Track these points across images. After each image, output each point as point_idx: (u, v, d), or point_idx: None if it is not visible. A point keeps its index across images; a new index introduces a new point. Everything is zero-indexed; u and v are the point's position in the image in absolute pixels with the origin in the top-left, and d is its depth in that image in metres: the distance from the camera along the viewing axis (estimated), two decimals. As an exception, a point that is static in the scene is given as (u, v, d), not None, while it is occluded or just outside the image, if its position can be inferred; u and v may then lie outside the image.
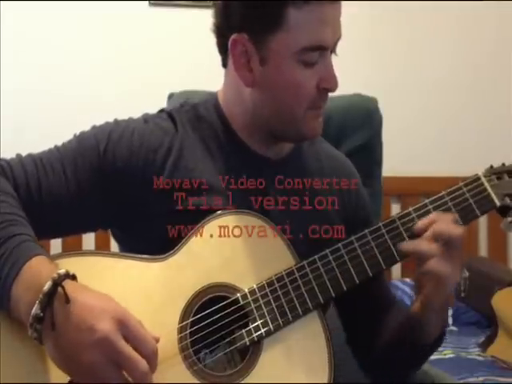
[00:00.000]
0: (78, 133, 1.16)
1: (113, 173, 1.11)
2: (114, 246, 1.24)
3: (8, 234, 0.98)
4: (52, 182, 1.09)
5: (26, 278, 0.94)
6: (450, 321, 2.72)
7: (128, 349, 0.90)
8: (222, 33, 1.13)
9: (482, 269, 2.80)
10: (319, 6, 1.07)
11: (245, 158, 1.18)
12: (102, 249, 2.60)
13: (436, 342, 1.15)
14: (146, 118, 1.18)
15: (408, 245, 1.09)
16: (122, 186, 1.11)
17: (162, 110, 1.22)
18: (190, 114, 1.19)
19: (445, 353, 2.35)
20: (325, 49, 1.10)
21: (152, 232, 1.11)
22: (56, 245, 2.56)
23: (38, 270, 0.94)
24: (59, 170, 1.10)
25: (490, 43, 3.14)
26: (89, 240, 2.65)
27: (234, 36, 1.10)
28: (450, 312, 2.73)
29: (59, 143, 1.15)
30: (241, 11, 1.09)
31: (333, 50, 1.14)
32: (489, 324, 2.60)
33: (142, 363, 0.91)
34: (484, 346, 2.43)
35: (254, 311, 1.05)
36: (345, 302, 1.22)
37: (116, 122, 1.17)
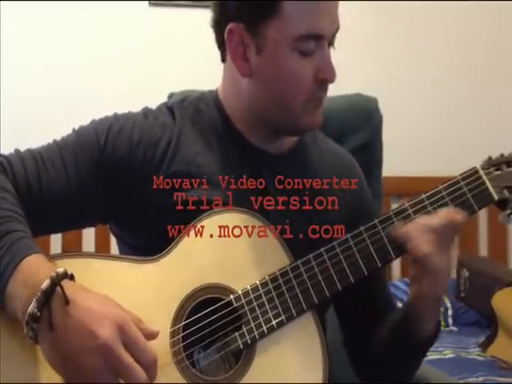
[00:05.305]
0: (76, 127, 1.16)
1: (113, 166, 1.11)
2: (114, 244, 1.24)
3: (7, 229, 0.97)
4: (52, 177, 1.09)
5: (23, 273, 0.93)
6: (450, 321, 2.72)
7: (127, 357, 0.89)
8: (220, 26, 1.13)
9: (482, 269, 2.80)
10: None
11: (244, 151, 1.17)
12: (102, 247, 2.63)
13: (431, 339, 1.13)
14: (146, 112, 1.18)
15: (398, 228, 1.07)
16: (121, 179, 1.11)
17: (163, 104, 1.22)
18: (190, 109, 1.20)
19: (445, 353, 2.34)
20: (321, 38, 1.09)
21: (152, 230, 1.10)
22: (56, 243, 2.56)
23: (36, 268, 0.93)
24: (59, 165, 1.10)
25: (489, 43, 3.15)
26: (89, 238, 2.65)
27: (230, 25, 1.10)
28: (450, 312, 2.73)
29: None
30: (237, 1, 1.09)
31: (331, 43, 1.13)
32: (489, 324, 2.60)
33: (140, 373, 0.90)
34: (484, 346, 2.43)
35: (248, 313, 1.04)
36: (343, 302, 1.21)
37: (115, 115, 1.17)
